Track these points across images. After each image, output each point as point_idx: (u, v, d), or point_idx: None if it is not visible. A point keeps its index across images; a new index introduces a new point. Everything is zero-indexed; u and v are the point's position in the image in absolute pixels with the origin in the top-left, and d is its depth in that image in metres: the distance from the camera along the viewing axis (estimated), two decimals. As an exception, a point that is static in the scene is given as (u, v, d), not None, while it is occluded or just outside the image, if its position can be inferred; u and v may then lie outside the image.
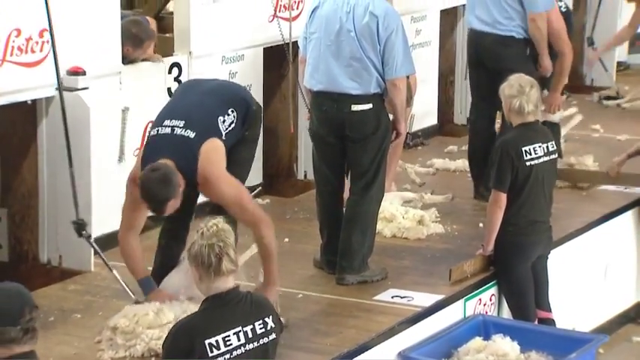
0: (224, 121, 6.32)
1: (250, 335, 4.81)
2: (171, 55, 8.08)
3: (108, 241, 7.20)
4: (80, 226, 6.80)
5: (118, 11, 7.56)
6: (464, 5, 10.50)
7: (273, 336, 4.87)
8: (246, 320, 4.82)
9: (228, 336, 4.76)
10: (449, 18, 10.68)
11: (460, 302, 6.99)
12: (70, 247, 7.08)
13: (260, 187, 8.64)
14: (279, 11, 8.70)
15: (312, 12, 7.03)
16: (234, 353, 4.76)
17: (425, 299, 6.83)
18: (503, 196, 7.16)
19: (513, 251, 7.20)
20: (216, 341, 4.74)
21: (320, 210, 7.24)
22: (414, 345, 6.51)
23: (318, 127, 7.08)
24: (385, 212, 7.81)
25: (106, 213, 7.23)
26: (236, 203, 6.11)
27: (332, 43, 6.91)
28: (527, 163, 7.17)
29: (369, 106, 6.94)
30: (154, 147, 6.21)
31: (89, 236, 6.79)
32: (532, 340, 6.76)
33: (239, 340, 4.78)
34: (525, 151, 7.18)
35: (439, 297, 6.88)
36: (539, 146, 7.24)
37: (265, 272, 6.19)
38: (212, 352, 4.72)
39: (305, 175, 9.20)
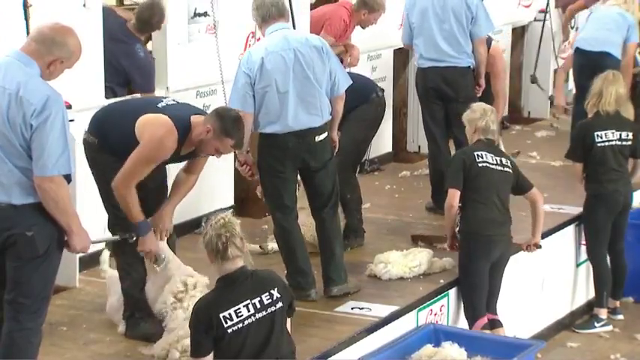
0: None
1: (258, 306, 5.13)
2: (151, 89, 7.90)
3: (93, 260, 6.99)
4: None
5: (101, 50, 7.36)
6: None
7: (279, 304, 5.19)
8: (254, 293, 5.14)
9: (239, 308, 5.09)
10: (401, 56, 10.60)
11: (413, 313, 6.89)
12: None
13: (232, 210, 8.49)
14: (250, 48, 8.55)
15: (259, 69, 6.57)
16: (246, 322, 5.10)
17: (381, 310, 6.73)
18: (456, 193, 7.03)
19: (475, 245, 7.08)
20: (229, 314, 5.07)
21: (288, 238, 6.85)
22: (372, 352, 6.41)
23: (276, 163, 6.71)
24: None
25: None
26: None
27: (289, 89, 6.62)
28: (479, 165, 7.07)
29: (326, 134, 6.80)
30: (176, 110, 6.00)
31: None
32: (477, 346, 6.67)
33: (249, 311, 5.11)
34: (477, 154, 7.09)
35: (394, 308, 6.79)
36: (492, 156, 7.15)
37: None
38: (226, 323, 5.07)
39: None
